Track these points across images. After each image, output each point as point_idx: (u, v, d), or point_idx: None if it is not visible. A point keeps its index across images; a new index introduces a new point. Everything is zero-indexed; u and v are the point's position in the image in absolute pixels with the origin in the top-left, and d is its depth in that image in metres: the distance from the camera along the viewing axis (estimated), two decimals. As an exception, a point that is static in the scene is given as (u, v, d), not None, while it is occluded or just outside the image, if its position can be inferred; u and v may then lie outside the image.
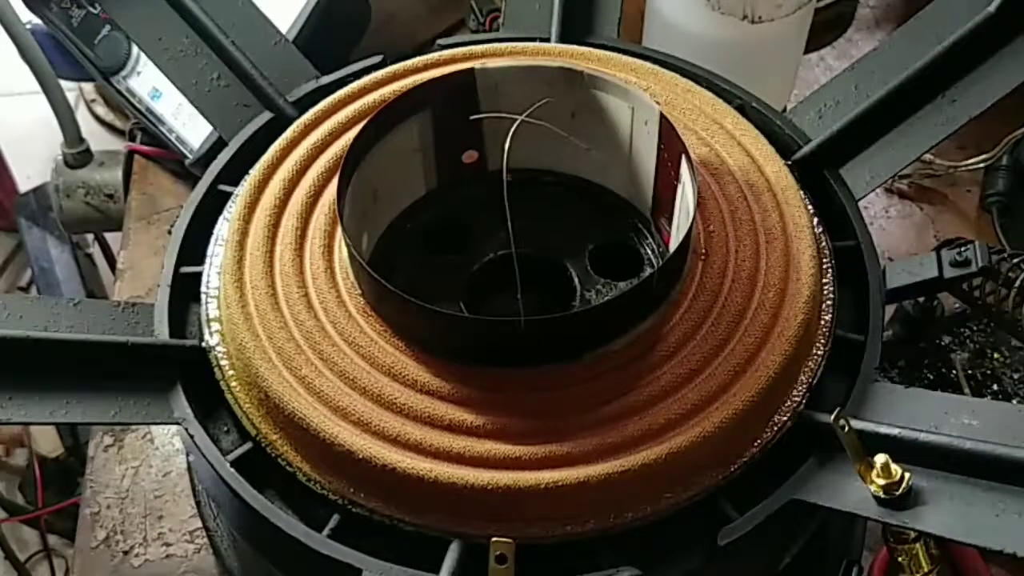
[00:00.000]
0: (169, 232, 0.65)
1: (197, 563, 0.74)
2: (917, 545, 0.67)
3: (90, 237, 1.40)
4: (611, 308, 0.55)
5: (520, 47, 0.70)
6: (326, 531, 0.52)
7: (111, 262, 1.33)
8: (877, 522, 0.51)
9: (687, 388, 0.54)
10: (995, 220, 0.88)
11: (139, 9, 0.72)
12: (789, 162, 0.65)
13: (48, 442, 1.31)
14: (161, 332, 0.60)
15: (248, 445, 0.56)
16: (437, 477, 0.51)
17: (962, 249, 0.63)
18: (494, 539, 0.47)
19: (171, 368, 0.58)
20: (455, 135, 0.65)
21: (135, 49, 0.95)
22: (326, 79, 0.72)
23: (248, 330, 0.56)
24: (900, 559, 0.67)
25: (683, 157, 0.58)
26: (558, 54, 0.69)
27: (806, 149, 0.66)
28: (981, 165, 0.90)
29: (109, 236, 1.31)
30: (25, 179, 1.50)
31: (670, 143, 0.60)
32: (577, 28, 0.73)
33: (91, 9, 0.97)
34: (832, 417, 0.51)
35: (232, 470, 0.53)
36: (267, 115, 0.70)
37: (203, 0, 0.72)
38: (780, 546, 0.57)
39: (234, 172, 0.67)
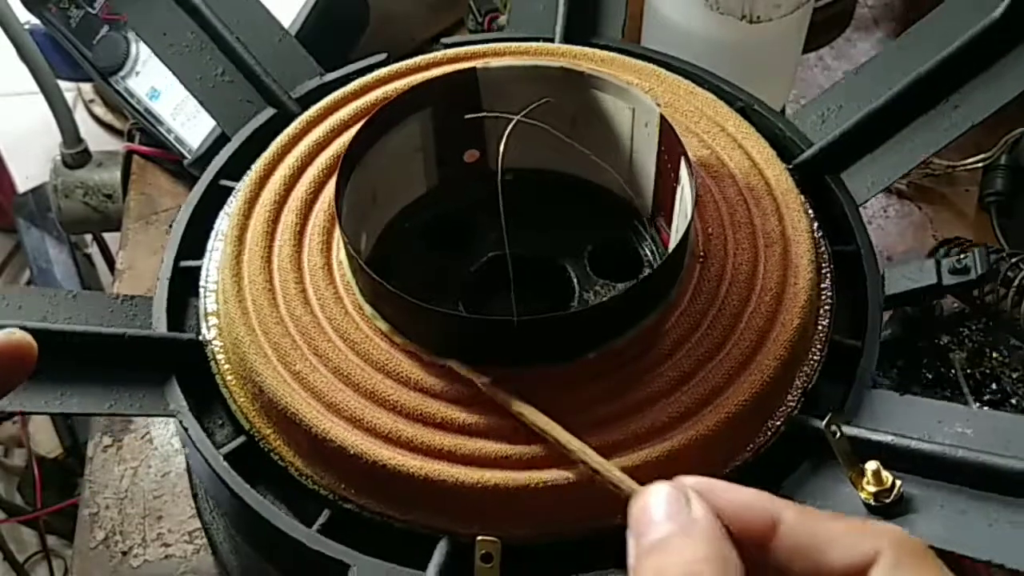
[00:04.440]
0: (169, 228, 0.65)
1: (196, 564, 0.74)
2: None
3: (89, 237, 1.40)
4: (606, 308, 0.55)
5: (523, 47, 0.70)
6: (316, 526, 0.52)
7: (110, 262, 1.33)
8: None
9: (682, 390, 0.53)
10: (993, 219, 0.88)
11: (144, 5, 0.73)
12: (790, 166, 0.64)
13: (47, 442, 1.32)
14: (159, 325, 0.60)
15: (241, 439, 0.56)
16: (427, 474, 0.50)
17: (961, 256, 0.62)
18: (480, 538, 0.47)
19: (167, 361, 0.58)
20: (456, 134, 0.65)
21: (134, 49, 0.95)
22: (330, 76, 0.72)
23: (244, 324, 0.56)
24: None
25: (682, 159, 0.58)
26: (561, 54, 0.69)
27: (808, 153, 0.66)
28: (980, 165, 0.90)
29: (108, 236, 1.31)
30: (24, 179, 1.50)
31: (670, 145, 0.59)
32: (581, 29, 0.73)
33: (89, 9, 0.96)
34: (824, 423, 0.51)
35: (225, 463, 0.53)
36: (270, 111, 0.70)
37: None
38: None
39: (236, 167, 0.67)
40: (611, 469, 0.47)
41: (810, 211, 0.62)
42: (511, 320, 0.52)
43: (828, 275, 0.60)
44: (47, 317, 0.59)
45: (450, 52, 0.70)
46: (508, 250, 0.61)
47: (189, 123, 0.93)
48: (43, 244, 1.35)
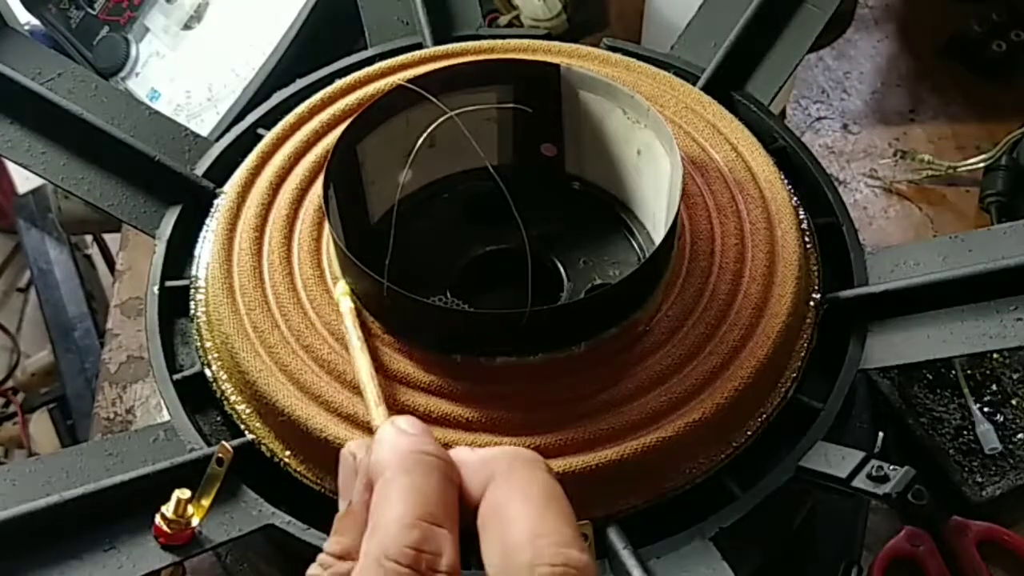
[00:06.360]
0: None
1: (197, 563, 0.74)
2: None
3: (89, 238, 1.40)
4: (602, 299, 0.55)
5: (524, 44, 0.70)
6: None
7: (110, 263, 1.34)
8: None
9: (680, 375, 0.54)
10: (994, 220, 0.88)
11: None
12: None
13: (47, 442, 1.32)
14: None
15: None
16: None
17: (886, 466, 0.50)
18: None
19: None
20: (532, 121, 0.65)
21: (134, 50, 0.95)
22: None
23: (236, 326, 0.57)
24: None
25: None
26: (557, 51, 0.70)
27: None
28: (980, 165, 0.90)
29: (108, 237, 1.32)
30: (24, 180, 1.51)
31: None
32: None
33: (89, 10, 0.97)
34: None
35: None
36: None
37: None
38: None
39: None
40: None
41: (794, 196, 0.63)
42: (512, 312, 0.52)
43: (812, 251, 0.61)
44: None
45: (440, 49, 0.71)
46: (505, 246, 0.62)
47: (190, 124, 0.93)
48: (43, 245, 1.35)
